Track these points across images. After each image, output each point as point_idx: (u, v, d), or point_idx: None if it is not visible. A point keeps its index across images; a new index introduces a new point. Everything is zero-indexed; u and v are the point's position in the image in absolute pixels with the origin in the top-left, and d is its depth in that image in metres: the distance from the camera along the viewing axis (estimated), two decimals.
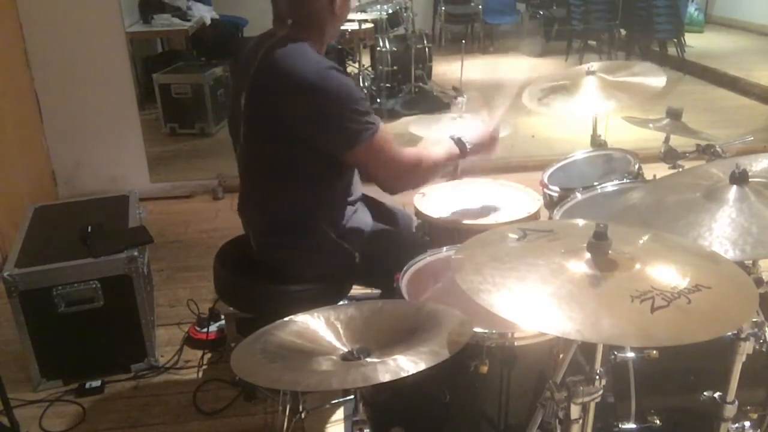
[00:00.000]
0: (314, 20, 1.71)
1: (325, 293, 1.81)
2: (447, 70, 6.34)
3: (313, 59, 1.66)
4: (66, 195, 3.77)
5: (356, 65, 5.60)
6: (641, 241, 1.23)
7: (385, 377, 1.10)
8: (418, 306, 1.42)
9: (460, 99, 2.37)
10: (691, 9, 8.51)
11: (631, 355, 1.50)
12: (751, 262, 1.41)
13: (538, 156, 4.09)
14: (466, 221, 1.95)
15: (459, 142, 1.87)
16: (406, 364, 1.12)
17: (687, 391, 1.52)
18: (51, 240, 2.45)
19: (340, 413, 2.13)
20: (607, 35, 7.16)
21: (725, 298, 1.06)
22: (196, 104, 4.93)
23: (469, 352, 1.35)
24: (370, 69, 5.83)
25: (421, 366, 1.12)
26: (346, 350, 1.25)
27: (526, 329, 1.36)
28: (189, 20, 5.66)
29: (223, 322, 2.47)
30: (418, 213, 2.05)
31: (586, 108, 2.25)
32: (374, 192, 1.90)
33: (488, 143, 1.95)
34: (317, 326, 1.35)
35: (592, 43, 7.28)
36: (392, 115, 5.18)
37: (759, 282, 1.38)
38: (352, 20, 5.25)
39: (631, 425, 1.54)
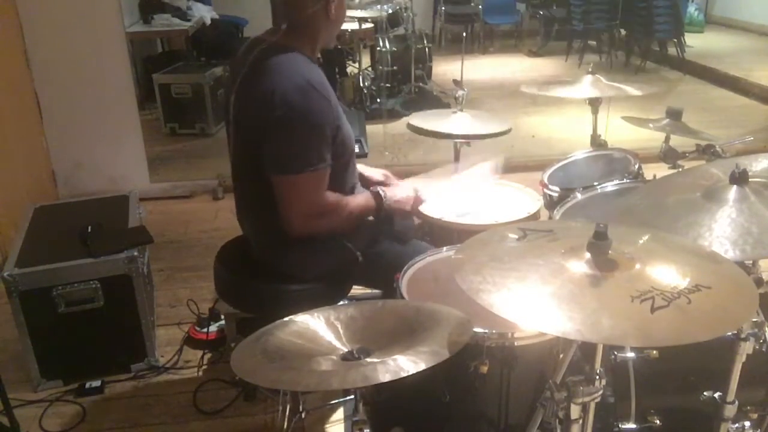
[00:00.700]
0: (309, 25, 1.70)
1: (326, 293, 1.81)
2: (447, 70, 6.34)
3: (302, 72, 1.64)
4: (66, 195, 3.76)
5: (356, 65, 5.60)
6: (641, 241, 1.23)
7: (385, 377, 1.10)
8: (418, 306, 1.42)
9: (460, 92, 2.37)
10: (691, 9, 8.51)
11: (631, 355, 1.50)
12: (751, 262, 1.41)
13: (538, 156, 4.09)
14: (466, 221, 1.95)
15: (377, 196, 1.81)
16: (406, 364, 1.12)
17: (687, 391, 1.52)
18: (51, 240, 2.45)
19: (340, 413, 2.14)
20: (607, 35, 7.16)
21: (725, 298, 1.06)
22: (196, 104, 4.93)
23: (469, 352, 1.35)
24: (370, 69, 5.83)
25: (421, 366, 1.12)
26: (346, 350, 1.25)
27: (526, 329, 1.36)
28: (189, 20, 5.66)
29: (223, 322, 2.47)
30: (418, 213, 2.04)
31: (583, 92, 2.30)
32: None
33: (409, 202, 1.89)
34: (317, 326, 1.35)
35: (592, 43, 7.28)
36: (392, 115, 5.18)
37: (759, 282, 1.37)
38: (353, 18, 5.26)
39: (631, 425, 1.54)
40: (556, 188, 2.13)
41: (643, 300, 1.03)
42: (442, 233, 1.98)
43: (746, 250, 1.22)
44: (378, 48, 5.47)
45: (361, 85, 5.47)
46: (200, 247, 3.33)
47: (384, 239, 1.89)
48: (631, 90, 2.27)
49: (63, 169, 3.81)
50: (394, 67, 5.53)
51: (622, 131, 2.49)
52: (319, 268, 1.81)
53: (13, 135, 3.38)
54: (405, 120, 2.88)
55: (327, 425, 2.12)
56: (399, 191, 1.89)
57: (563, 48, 7.41)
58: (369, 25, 5.38)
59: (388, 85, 5.50)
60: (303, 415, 1.93)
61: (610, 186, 2.02)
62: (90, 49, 3.61)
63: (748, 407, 1.54)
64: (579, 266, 1.12)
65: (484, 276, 1.12)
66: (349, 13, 5.20)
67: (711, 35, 8.43)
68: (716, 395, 1.39)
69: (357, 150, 1.86)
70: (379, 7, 5.63)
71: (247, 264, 1.88)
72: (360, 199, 1.81)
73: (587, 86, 2.32)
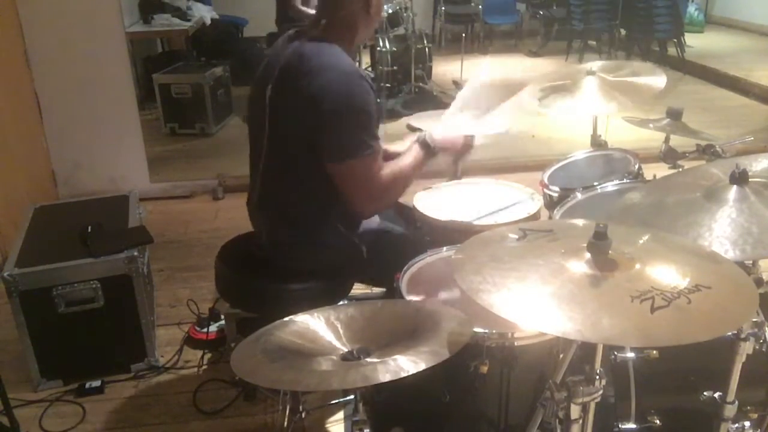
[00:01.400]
0: (349, 21, 1.73)
1: (328, 290, 1.82)
2: (447, 70, 6.34)
3: (347, 63, 1.69)
4: (66, 195, 3.76)
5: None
6: (641, 241, 1.23)
7: (385, 377, 1.10)
8: (418, 306, 1.42)
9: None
10: (691, 9, 8.51)
11: (631, 355, 1.50)
12: (751, 262, 1.40)
13: (538, 156, 4.09)
14: (466, 221, 1.95)
15: (423, 144, 1.84)
16: (406, 364, 1.13)
17: (687, 391, 1.52)
18: (51, 240, 2.45)
19: (340, 413, 2.13)
20: (607, 35, 7.16)
21: (725, 298, 1.06)
22: (196, 104, 4.93)
23: (469, 352, 1.35)
24: (370, 69, 5.83)
25: (421, 366, 1.12)
26: (346, 350, 1.26)
27: (526, 329, 1.36)
28: (189, 20, 5.66)
29: (223, 322, 2.47)
30: (418, 213, 2.05)
31: (586, 108, 2.24)
32: None
33: (458, 142, 1.92)
34: (317, 326, 1.35)
35: (592, 43, 7.28)
36: (392, 115, 5.18)
37: (759, 282, 1.38)
38: None
39: (631, 425, 1.54)
40: (556, 188, 2.13)
41: (643, 300, 1.03)
42: (442, 233, 1.98)
43: (746, 250, 1.22)
44: (378, 48, 5.47)
45: None
46: (200, 247, 3.33)
47: (390, 237, 1.90)
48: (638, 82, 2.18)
49: (63, 169, 3.80)
50: (394, 67, 5.53)
51: (622, 131, 2.49)
52: (325, 262, 1.83)
53: (13, 135, 3.38)
54: (405, 120, 2.89)
55: (327, 425, 2.12)
56: (444, 131, 1.90)
57: (563, 48, 7.41)
58: None
59: (388, 85, 5.50)
60: (303, 415, 1.93)
61: (610, 186, 2.02)
62: (90, 49, 3.61)
63: (748, 407, 1.54)
64: (579, 266, 1.12)
65: (484, 276, 1.12)
66: None
67: (711, 35, 8.42)
68: (716, 395, 1.39)
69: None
70: None
71: (249, 263, 1.89)
72: (409, 158, 1.83)
73: (592, 94, 2.19)
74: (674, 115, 2.06)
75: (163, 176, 4.10)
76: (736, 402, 1.38)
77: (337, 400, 2.12)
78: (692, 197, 1.40)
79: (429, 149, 1.85)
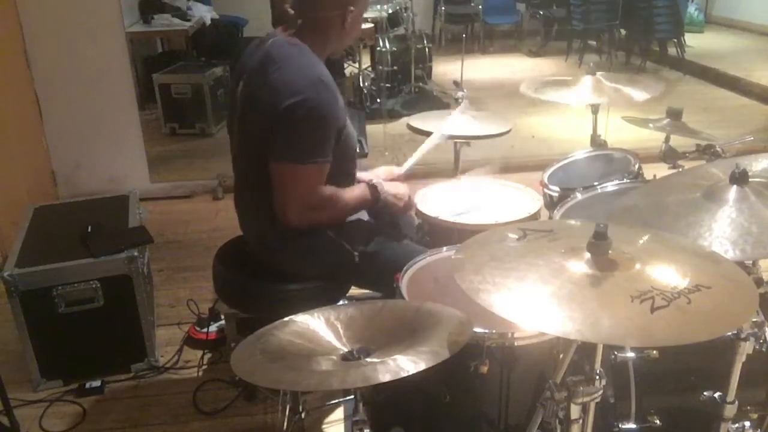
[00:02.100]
0: (321, 27, 1.72)
1: (324, 293, 1.81)
2: (447, 70, 6.34)
3: (314, 67, 1.66)
4: (66, 195, 3.76)
5: (356, 65, 5.60)
6: (641, 241, 1.23)
7: (385, 377, 1.10)
8: (418, 306, 1.42)
9: (460, 93, 2.38)
10: (691, 9, 8.51)
11: (631, 355, 1.49)
12: (751, 262, 1.41)
13: (538, 156, 4.09)
14: (466, 221, 1.95)
15: (372, 188, 1.82)
16: (406, 364, 1.12)
17: (687, 391, 1.52)
18: (51, 240, 2.45)
19: (340, 413, 2.13)
20: (607, 35, 7.15)
21: (725, 298, 1.06)
22: (196, 104, 4.93)
23: (469, 352, 1.35)
24: (370, 69, 5.83)
25: (421, 366, 1.12)
26: (346, 350, 1.25)
27: (526, 329, 1.36)
28: (189, 20, 5.66)
29: (223, 322, 2.47)
30: (418, 213, 2.05)
31: (578, 99, 2.28)
32: None
33: (402, 203, 1.90)
34: (317, 326, 1.35)
35: (592, 43, 7.27)
36: (392, 115, 5.18)
37: (759, 282, 1.38)
38: None
39: (631, 425, 1.54)
40: (556, 188, 2.13)
41: (643, 300, 1.03)
42: (442, 233, 1.98)
43: (746, 250, 1.22)
44: (378, 48, 5.48)
45: (361, 85, 5.47)
46: (200, 247, 3.33)
47: (381, 239, 1.89)
48: (634, 93, 2.24)
49: (63, 169, 3.80)
50: (394, 67, 5.53)
51: (622, 131, 2.49)
52: (314, 266, 1.82)
53: (13, 135, 3.38)
54: (405, 120, 2.89)
55: (327, 425, 2.12)
56: (396, 187, 1.89)
57: (563, 48, 7.41)
58: (369, 25, 5.38)
59: (388, 85, 5.50)
60: (303, 415, 1.93)
61: (610, 186, 2.02)
62: (90, 49, 3.61)
63: (748, 407, 1.54)
64: (579, 266, 1.12)
65: (484, 276, 1.12)
66: None
67: (711, 35, 8.42)
68: (716, 395, 1.39)
69: (357, 150, 1.87)
70: (379, 7, 5.63)
71: (247, 264, 1.88)
72: (356, 191, 1.82)
73: (587, 90, 2.29)
74: (674, 115, 2.06)
75: (163, 176, 4.10)
76: (736, 402, 1.38)
77: (337, 400, 2.12)
78: (692, 197, 1.40)
79: (376, 196, 1.82)
